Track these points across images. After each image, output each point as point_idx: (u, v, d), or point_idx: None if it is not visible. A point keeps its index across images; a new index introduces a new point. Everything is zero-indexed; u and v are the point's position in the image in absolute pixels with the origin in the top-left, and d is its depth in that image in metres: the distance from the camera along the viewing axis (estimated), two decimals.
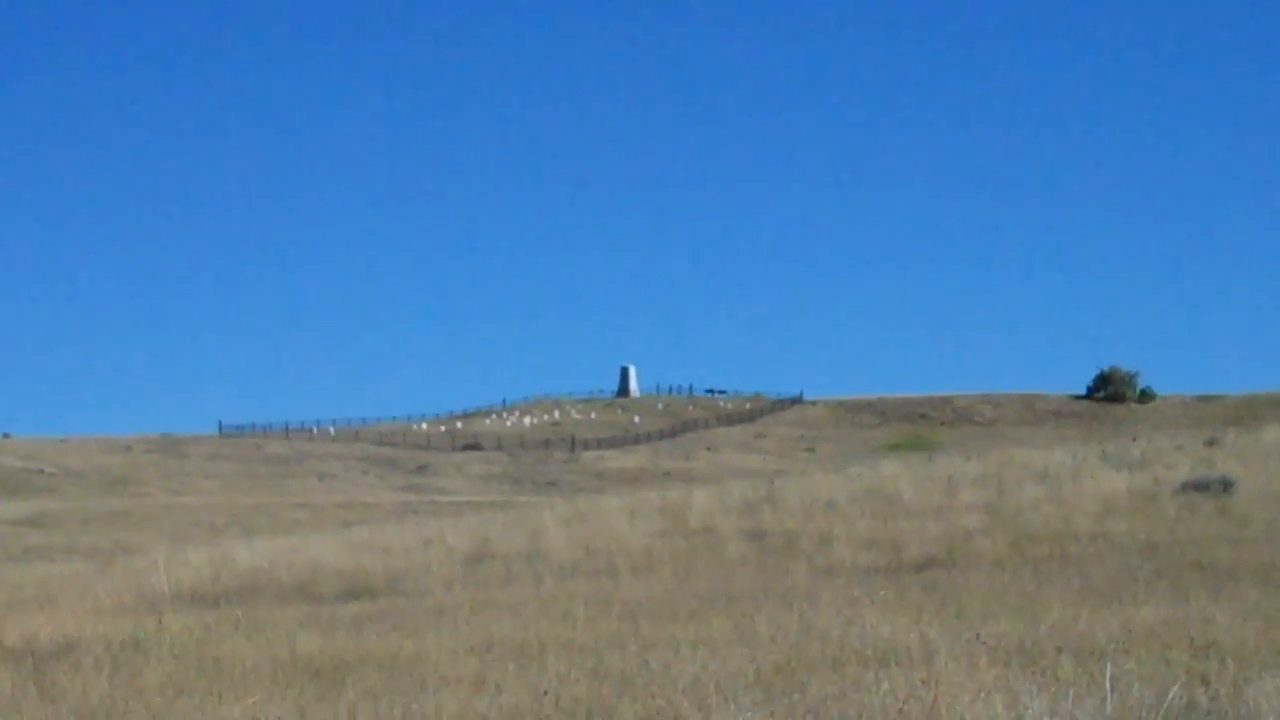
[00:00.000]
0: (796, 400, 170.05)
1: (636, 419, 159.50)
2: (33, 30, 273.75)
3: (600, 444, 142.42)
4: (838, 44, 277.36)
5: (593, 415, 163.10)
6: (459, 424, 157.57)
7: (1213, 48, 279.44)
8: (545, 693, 13.53)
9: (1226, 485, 29.23)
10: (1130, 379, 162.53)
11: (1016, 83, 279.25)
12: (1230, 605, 16.56)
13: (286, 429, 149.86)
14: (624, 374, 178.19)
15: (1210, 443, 44.84)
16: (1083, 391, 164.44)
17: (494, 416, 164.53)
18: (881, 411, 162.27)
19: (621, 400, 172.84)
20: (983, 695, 11.88)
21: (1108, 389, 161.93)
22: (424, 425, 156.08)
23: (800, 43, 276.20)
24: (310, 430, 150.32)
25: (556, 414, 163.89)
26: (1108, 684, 11.89)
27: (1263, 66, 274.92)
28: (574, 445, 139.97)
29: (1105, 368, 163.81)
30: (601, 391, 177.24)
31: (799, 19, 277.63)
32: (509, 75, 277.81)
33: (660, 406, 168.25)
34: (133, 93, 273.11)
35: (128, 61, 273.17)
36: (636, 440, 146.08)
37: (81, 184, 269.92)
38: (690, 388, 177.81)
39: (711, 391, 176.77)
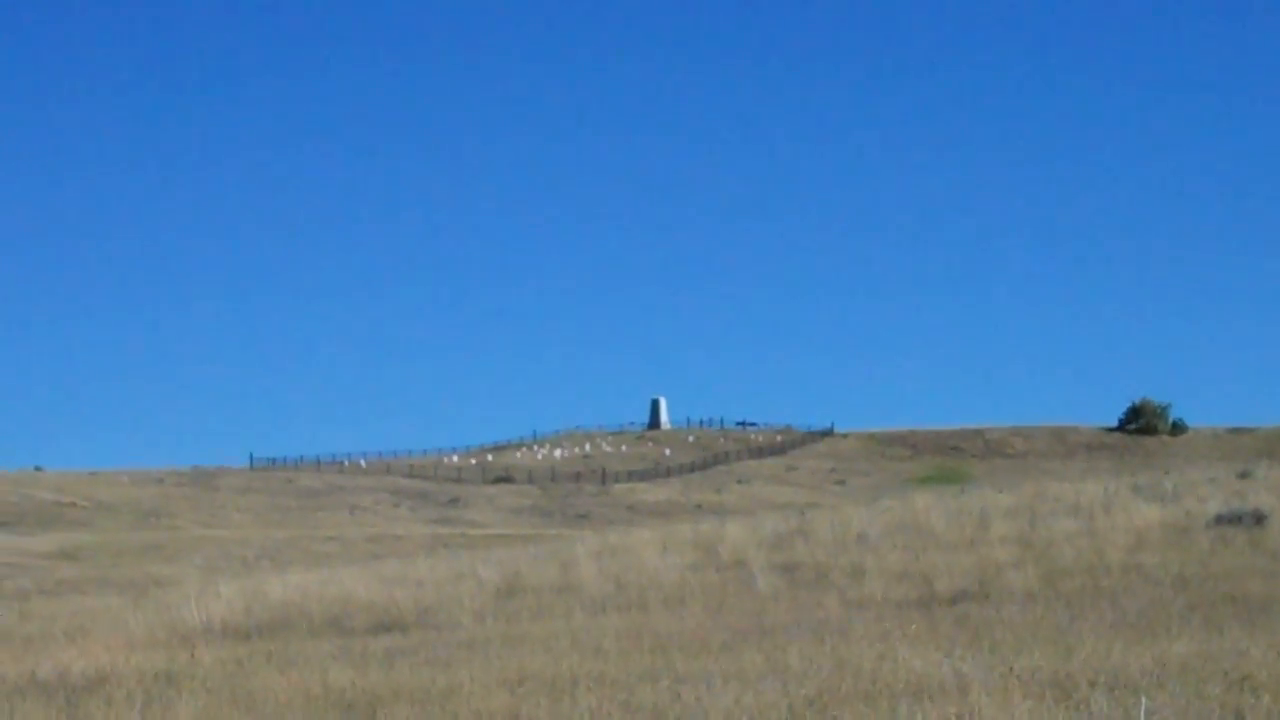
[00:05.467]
0: (827, 433, 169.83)
1: (667, 452, 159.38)
2: (88, 78, 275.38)
3: (631, 476, 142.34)
4: (869, 78, 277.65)
5: (624, 448, 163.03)
6: (490, 457, 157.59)
7: (1255, 82, 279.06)
8: None
9: (1259, 518, 29.09)
10: (1162, 411, 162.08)
11: (1049, 113, 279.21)
12: (1264, 639, 16.50)
13: (318, 462, 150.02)
14: (655, 406, 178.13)
15: (1243, 475, 44.72)
16: (1114, 424, 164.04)
17: (525, 449, 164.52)
18: (913, 444, 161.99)
19: (652, 433, 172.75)
20: None
21: (1139, 421, 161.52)
22: (455, 458, 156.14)
23: (830, 75, 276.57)
24: (341, 463, 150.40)
25: (587, 447, 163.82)
26: (1142, 718, 11.86)
27: None
28: (605, 478, 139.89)
29: (1137, 400, 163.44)
30: (632, 424, 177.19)
31: (827, 52, 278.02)
32: (543, 107, 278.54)
33: (691, 439, 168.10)
34: (164, 120, 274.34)
35: (165, 91, 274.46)
36: (667, 473, 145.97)
37: (114, 218, 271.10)
38: (721, 420, 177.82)
39: (742, 424, 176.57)
